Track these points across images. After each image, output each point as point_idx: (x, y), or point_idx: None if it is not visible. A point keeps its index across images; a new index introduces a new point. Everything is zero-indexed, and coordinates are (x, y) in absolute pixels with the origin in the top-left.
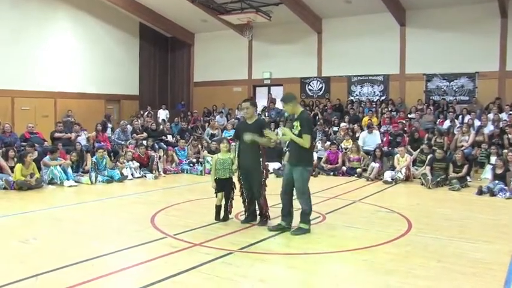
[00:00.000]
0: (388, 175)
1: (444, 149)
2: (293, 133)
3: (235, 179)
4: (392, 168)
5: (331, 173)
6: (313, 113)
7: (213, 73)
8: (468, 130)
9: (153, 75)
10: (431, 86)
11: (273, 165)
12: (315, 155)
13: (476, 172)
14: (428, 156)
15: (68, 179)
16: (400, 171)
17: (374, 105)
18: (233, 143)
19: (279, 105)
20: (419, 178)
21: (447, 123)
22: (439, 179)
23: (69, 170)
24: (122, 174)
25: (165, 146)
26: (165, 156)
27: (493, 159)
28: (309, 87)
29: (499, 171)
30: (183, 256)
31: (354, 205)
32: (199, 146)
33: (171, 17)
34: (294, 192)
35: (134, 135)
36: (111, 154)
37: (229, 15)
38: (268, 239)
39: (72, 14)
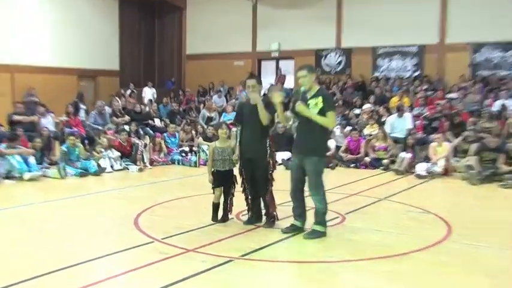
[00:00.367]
0: (421, 168)
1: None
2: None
3: (236, 171)
4: (427, 159)
5: (352, 165)
6: (330, 92)
7: (210, 44)
8: None
9: (137, 46)
10: (479, 58)
11: (281, 155)
12: (332, 143)
13: None
14: (473, 145)
15: (30, 172)
16: (437, 163)
17: (405, 83)
18: (234, 129)
19: (289, 83)
20: (462, 172)
21: (498, 104)
22: (487, 173)
23: (32, 161)
24: (98, 166)
25: (151, 131)
26: (151, 144)
27: None
28: (326, 61)
29: None
30: (174, 264)
31: (379, 204)
32: (193, 132)
33: None
34: (306, 188)
35: (114, 118)
36: (86, 142)
37: None
38: (276, 244)
39: None
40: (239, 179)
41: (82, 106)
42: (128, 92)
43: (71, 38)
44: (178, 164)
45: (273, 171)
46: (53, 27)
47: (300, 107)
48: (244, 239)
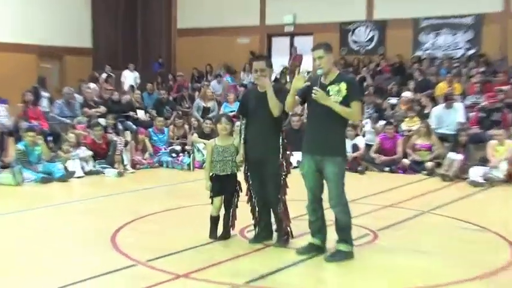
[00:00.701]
0: (476, 173)
1: None
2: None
3: (240, 176)
4: (484, 162)
5: (386, 169)
6: (358, 76)
7: (206, 16)
8: None
9: (115, 18)
10: None
11: (297, 156)
12: (361, 141)
13: None
14: None
15: None
16: (498, 167)
17: (456, 64)
18: (238, 122)
19: (307, 65)
20: None
21: None
22: None
23: None
24: (65, 169)
25: (133, 126)
26: (133, 142)
27: None
28: (354, 37)
29: None
30: None
31: (421, 218)
32: (186, 127)
33: None
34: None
35: (86, 109)
36: (49, 139)
37: None
38: (290, 268)
39: None
40: (244, 186)
41: (44, 93)
42: (104, 76)
43: (29, 7)
44: (168, 166)
45: (286, 176)
46: None
47: (318, 94)
48: (250, 261)
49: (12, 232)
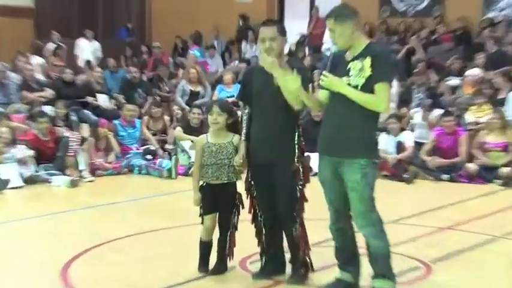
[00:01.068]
0: None
1: None
2: (350, 85)
3: (241, 186)
4: None
5: (444, 176)
6: (405, 47)
7: None
8: None
9: None
10: None
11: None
12: (409, 137)
13: None
14: None
15: None
16: None
17: None
18: (239, 112)
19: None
20: None
21: None
22: None
23: None
24: None
25: (93, 117)
26: (92, 138)
27: None
28: None
29: None
30: None
31: (493, 246)
32: (166, 118)
33: None
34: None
35: (25, 93)
36: None
37: None
38: None
39: None
40: (246, 200)
41: None
42: (50, 47)
43: None
44: (141, 173)
45: (304, 186)
46: None
47: (326, 80)
48: None
49: None
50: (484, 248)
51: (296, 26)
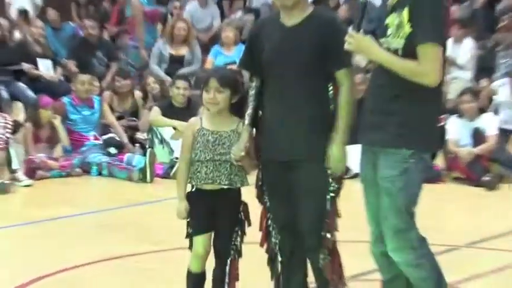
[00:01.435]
0: None
1: None
2: (386, 48)
3: (248, 194)
4: None
5: None
6: None
7: None
8: None
9: None
10: None
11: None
12: (492, 122)
13: None
14: None
15: None
16: None
17: None
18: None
19: None
20: None
21: None
22: None
23: None
24: None
25: (30, 92)
26: (30, 124)
27: None
28: None
29: None
30: None
31: None
32: (138, 95)
33: None
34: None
35: None
36: None
37: None
38: None
39: None
40: (255, 213)
41: None
42: None
43: None
44: (101, 174)
45: (337, 195)
46: None
47: (353, 42)
48: None
49: None
50: None
51: None
